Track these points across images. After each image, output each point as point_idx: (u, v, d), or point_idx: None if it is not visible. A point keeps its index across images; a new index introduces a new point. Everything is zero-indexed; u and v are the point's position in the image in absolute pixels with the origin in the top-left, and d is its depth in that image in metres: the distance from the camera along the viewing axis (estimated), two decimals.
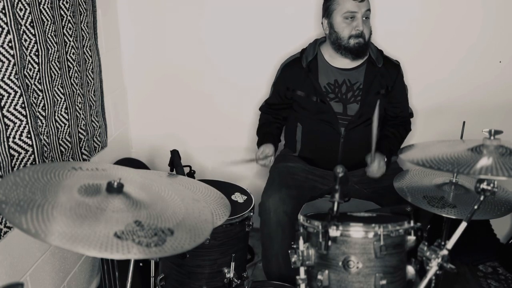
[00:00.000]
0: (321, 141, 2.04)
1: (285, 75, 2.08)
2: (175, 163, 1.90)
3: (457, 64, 2.30)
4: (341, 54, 1.97)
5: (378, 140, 2.08)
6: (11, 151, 1.49)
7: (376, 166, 1.90)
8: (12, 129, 1.49)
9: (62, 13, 1.79)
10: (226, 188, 1.87)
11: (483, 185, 1.15)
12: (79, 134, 1.99)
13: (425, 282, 1.19)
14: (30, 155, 1.58)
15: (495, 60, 2.27)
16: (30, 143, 1.57)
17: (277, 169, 2.09)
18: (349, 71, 2.02)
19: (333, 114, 2.00)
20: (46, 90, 1.71)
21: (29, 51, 1.58)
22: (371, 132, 1.71)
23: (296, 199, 1.93)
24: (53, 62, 1.74)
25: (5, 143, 1.47)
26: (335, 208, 1.14)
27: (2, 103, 1.45)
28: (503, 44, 2.24)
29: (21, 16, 1.52)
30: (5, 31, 1.43)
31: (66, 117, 1.86)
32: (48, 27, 1.69)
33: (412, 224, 1.30)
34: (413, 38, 2.29)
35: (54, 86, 1.76)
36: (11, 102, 1.48)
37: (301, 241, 1.27)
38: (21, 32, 1.53)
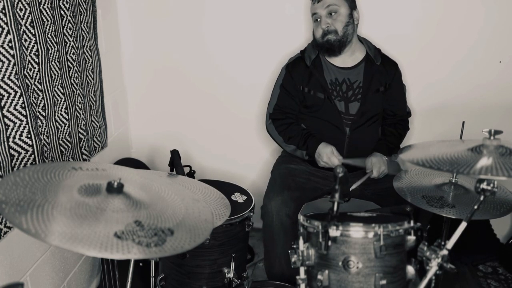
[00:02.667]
0: (326, 141, 2.04)
1: (292, 73, 2.08)
2: (175, 163, 1.90)
3: (457, 64, 2.30)
4: (322, 53, 2.04)
5: (376, 140, 2.10)
6: (11, 151, 1.49)
7: (376, 170, 1.92)
8: (12, 129, 1.49)
9: (62, 13, 1.79)
10: (226, 188, 1.86)
11: (483, 185, 1.15)
12: (79, 134, 1.99)
13: (425, 282, 1.18)
14: (30, 155, 1.58)
15: (495, 60, 2.27)
16: (30, 143, 1.57)
17: (279, 171, 2.09)
18: (348, 70, 2.04)
19: (338, 113, 2.01)
20: (46, 90, 1.71)
21: (29, 51, 1.58)
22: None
23: (298, 201, 1.93)
24: (53, 62, 1.74)
25: (5, 143, 1.47)
26: (335, 208, 1.14)
27: (2, 103, 1.45)
28: (503, 44, 2.24)
29: (21, 16, 1.52)
30: (5, 31, 1.43)
31: (66, 117, 1.86)
32: (48, 27, 1.69)
33: (412, 224, 1.30)
34: (413, 38, 2.29)
35: (54, 86, 1.76)
36: (11, 102, 1.48)
37: (301, 241, 1.26)
38: (21, 32, 1.53)
